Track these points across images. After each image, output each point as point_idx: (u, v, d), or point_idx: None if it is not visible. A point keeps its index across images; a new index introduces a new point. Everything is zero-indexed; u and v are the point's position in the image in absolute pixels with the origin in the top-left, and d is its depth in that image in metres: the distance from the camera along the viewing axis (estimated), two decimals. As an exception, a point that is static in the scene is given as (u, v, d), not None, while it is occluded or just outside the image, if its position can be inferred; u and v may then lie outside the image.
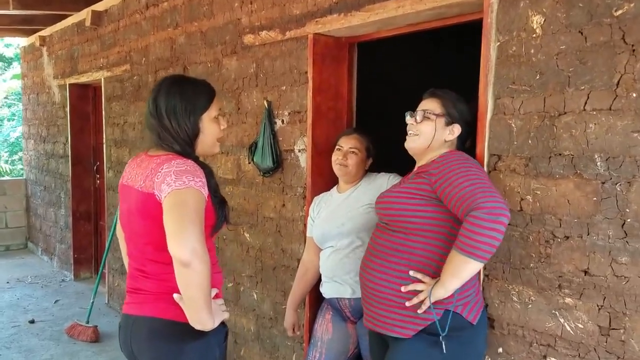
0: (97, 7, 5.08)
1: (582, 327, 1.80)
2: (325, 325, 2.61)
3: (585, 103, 1.77)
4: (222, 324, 1.84)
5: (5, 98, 13.42)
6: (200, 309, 1.60)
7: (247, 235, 3.31)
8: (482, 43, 2.08)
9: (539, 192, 1.91)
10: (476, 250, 1.71)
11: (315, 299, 2.79)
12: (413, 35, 2.72)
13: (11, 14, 6.01)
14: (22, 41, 7.52)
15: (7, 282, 5.85)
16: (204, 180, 1.68)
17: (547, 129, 1.88)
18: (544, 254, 1.89)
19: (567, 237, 1.83)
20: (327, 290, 2.58)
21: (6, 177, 9.99)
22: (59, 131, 6.29)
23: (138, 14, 4.43)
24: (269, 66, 3.08)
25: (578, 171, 1.80)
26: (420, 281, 1.89)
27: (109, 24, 4.95)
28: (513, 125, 1.98)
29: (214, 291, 1.79)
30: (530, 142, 1.92)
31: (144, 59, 4.38)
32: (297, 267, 2.85)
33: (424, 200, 1.90)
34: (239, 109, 3.31)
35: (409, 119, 2.07)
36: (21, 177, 7.98)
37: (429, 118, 2.02)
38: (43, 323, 4.65)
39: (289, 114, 2.96)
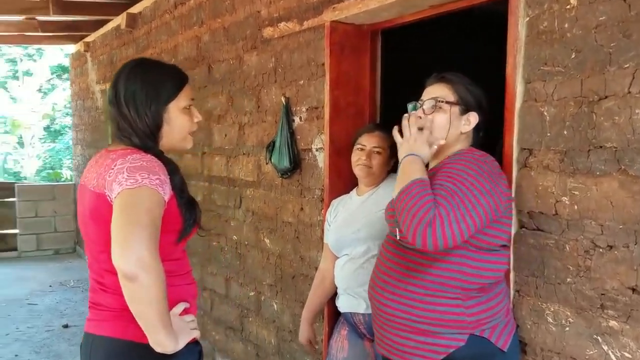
0: (133, 9, 5.04)
1: (629, 356, 1.48)
2: (340, 342, 2.36)
3: (630, 84, 1.46)
4: (195, 342, 1.63)
5: (67, 107, 13.93)
6: (155, 330, 1.38)
7: (267, 241, 3.11)
8: (508, 20, 1.79)
9: (576, 193, 1.59)
10: (403, 200, 1.52)
11: (334, 312, 2.54)
12: (443, 23, 2.45)
13: (56, 21, 6.12)
14: (72, 49, 7.68)
15: (50, 286, 5.91)
16: (164, 177, 1.46)
17: (585, 117, 1.57)
18: (584, 267, 1.58)
19: (611, 247, 1.51)
20: (342, 303, 2.33)
21: (55, 182, 10.24)
22: (101, 136, 6.33)
23: (168, 13, 4.34)
24: (287, 60, 2.87)
25: (623, 167, 1.48)
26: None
27: (143, 26, 4.90)
28: (545, 113, 1.68)
29: (182, 306, 1.58)
30: (565, 133, 1.62)
31: (173, 59, 4.27)
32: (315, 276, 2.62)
33: None
34: (259, 107, 3.12)
35: (413, 112, 1.73)
36: (70, 182, 8.14)
37: (441, 107, 1.70)
38: (76, 328, 4.62)
39: (307, 110, 2.74)
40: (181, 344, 1.47)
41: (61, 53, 13.58)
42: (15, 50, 15.93)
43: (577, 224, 1.59)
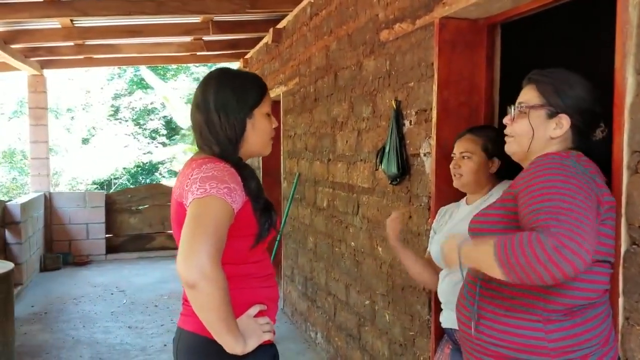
0: (279, 25, 5.30)
1: None
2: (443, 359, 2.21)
3: None
4: (271, 344, 1.64)
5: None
6: (218, 333, 1.43)
7: (380, 249, 3.03)
8: (617, 1, 1.53)
9: (695, 204, 1.30)
10: (509, 265, 1.24)
11: (440, 327, 2.39)
12: (572, 11, 2.18)
13: (219, 40, 6.69)
14: (234, 66, 8.33)
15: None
16: (234, 185, 1.49)
17: None
18: (702, 296, 1.27)
19: None
20: (444, 319, 2.19)
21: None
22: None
23: (305, 26, 4.48)
24: (399, 62, 2.79)
25: None
26: None
27: (286, 40, 5.12)
28: (660, 108, 1.39)
29: (257, 308, 1.59)
30: (683, 131, 1.33)
31: (307, 70, 4.40)
32: (423, 289, 2.49)
33: (514, 225, 1.42)
34: (374, 112, 3.07)
35: (506, 117, 1.60)
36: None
37: (524, 113, 1.53)
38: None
39: (416, 113, 2.62)
40: (250, 346, 1.50)
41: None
42: (200, 70, 17.77)
43: (695, 242, 1.29)
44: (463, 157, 2.10)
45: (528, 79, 1.60)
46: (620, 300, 1.51)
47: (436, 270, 2.26)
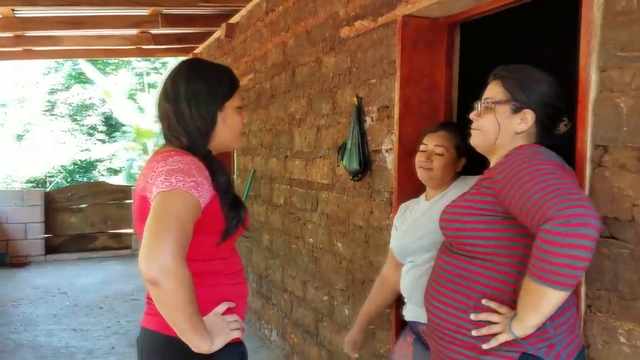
0: (232, 20, 5.23)
1: None
2: (405, 349, 2.23)
3: None
4: (239, 342, 1.60)
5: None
6: (184, 332, 1.39)
7: (339, 244, 3.04)
8: (582, 1, 1.60)
9: (656, 195, 1.37)
10: (553, 275, 1.26)
11: (401, 320, 2.42)
12: (531, 11, 2.25)
13: (167, 34, 6.52)
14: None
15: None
16: (202, 179, 1.44)
17: (667, 107, 1.35)
18: (662, 282, 1.35)
19: (695, 259, 1.28)
20: (406, 312, 2.21)
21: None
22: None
23: (260, 21, 4.45)
24: (361, 59, 2.81)
25: None
26: (494, 311, 1.46)
27: (239, 35, 5.07)
28: (622, 105, 1.47)
29: (225, 305, 1.56)
30: (644, 126, 1.40)
31: (263, 66, 4.37)
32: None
33: (490, 217, 1.48)
34: (334, 109, 3.08)
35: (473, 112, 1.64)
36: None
37: (490, 108, 1.57)
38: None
39: (378, 110, 2.65)
40: (217, 345, 1.47)
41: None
42: (143, 65, 17.31)
43: (656, 231, 1.37)
44: (436, 152, 2.11)
45: (494, 75, 1.64)
46: (583, 289, 1.58)
47: (384, 293, 2.35)
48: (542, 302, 1.31)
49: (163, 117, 1.60)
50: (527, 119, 1.54)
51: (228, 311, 1.57)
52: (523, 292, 1.36)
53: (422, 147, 2.16)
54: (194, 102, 1.56)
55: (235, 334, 1.56)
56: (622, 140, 1.47)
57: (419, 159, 2.15)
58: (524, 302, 1.36)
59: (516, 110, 1.55)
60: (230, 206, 1.55)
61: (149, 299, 1.59)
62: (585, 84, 1.58)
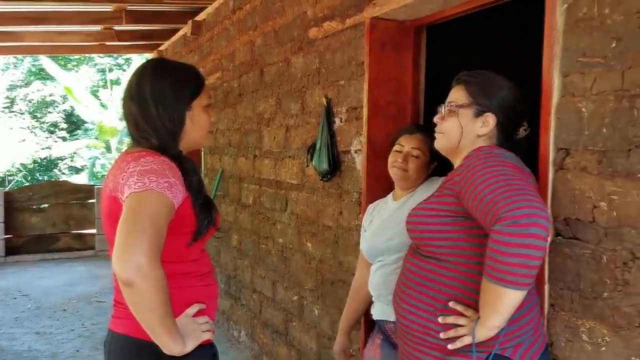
0: (198, 17, 5.17)
1: (672, 385, 1.29)
2: (373, 351, 2.26)
3: (677, 73, 1.28)
4: (210, 344, 1.60)
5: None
6: (156, 334, 1.37)
7: (309, 245, 3.05)
8: (545, 7, 1.64)
9: (615, 198, 1.42)
10: (507, 275, 1.29)
11: (370, 319, 2.45)
12: (496, 16, 2.29)
13: (132, 30, 6.40)
14: (148, 57, 8.03)
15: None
16: (175, 180, 1.43)
17: (625, 113, 1.40)
18: (621, 281, 1.40)
19: (652, 259, 1.33)
20: (375, 311, 2.23)
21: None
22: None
23: (227, 19, 4.41)
24: (329, 60, 2.82)
25: (666, 168, 1.30)
26: (461, 314, 1.49)
27: (206, 33, 5.02)
28: (584, 109, 1.52)
29: (196, 307, 1.55)
30: (604, 130, 1.45)
31: (231, 64, 4.34)
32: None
33: (452, 219, 1.51)
34: (304, 109, 3.08)
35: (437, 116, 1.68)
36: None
37: (453, 111, 1.61)
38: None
39: (347, 111, 2.66)
40: (189, 347, 1.46)
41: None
42: (106, 61, 16.96)
43: (615, 232, 1.42)
44: (413, 154, 2.11)
45: (457, 79, 1.68)
46: (546, 288, 1.63)
47: (361, 296, 2.35)
48: (499, 302, 1.34)
49: (130, 118, 1.58)
50: (488, 122, 1.58)
51: (199, 313, 1.57)
52: (482, 293, 1.39)
53: (397, 148, 2.16)
54: (161, 102, 1.54)
55: (207, 336, 1.55)
56: (583, 143, 1.51)
57: (395, 159, 2.14)
58: (483, 303, 1.39)
59: (478, 114, 1.59)
60: (201, 207, 1.55)
61: (117, 301, 1.57)
62: (548, 89, 1.63)
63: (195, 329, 1.51)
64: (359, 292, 2.37)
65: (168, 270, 1.43)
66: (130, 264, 1.29)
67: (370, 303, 2.38)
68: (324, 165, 2.71)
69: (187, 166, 1.53)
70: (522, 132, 1.65)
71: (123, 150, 1.64)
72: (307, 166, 2.91)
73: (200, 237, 1.56)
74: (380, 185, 2.46)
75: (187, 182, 1.50)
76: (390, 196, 2.29)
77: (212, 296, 1.66)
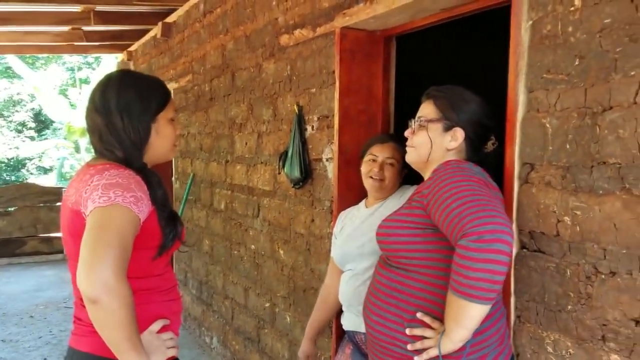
0: (168, 19, 5.11)
1: (632, 397, 1.32)
2: (343, 360, 2.27)
3: (636, 94, 1.32)
4: None
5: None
6: (122, 352, 1.34)
7: (281, 252, 3.05)
8: (511, 23, 1.66)
9: (578, 213, 1.45)
10: (471, 289, 1.31)
11: (341, 328, 2.45)
12: (462, 27, 2.32)
13: (101, 30, 6.29)
14: (118, 58, 7.89)
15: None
16: (141, 194, 1.42)
17: (588, 130, 1.43)
18: (584, 294, 1.44)
19: (614, 273, 1.37)
20: (345, 321, 2.24)
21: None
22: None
23: (198, 22, 4.37)
24: (301, 67, 2.82)
25: (627, 185, 1.33)
26: (429, 326, 1.51)
27: (177, 35, 4.96)
28: (548, 125, 1.54)
29: (160, 323, 1.53)
30: (568, 146, 1.48)
31: (202, 68, 4.30)
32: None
33: (421, 230, 1.53)
34: (275, 115, 3.07)
35: (407, 130, 1.70)
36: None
37: (423, 126, 1.64)
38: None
39: (318, 119, 2.67)
40: None
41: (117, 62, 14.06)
42: (75, 59, 16.65)
43: (578, 246, 1.45)
44: (388, 162, 2.12)
45: (426, 94, 1.71)
46: (512, 300, 1.66)
47: (329, 303, 2.36)
48: (464, 316, 1.36)
49: (94, 130, 1.55)
50: (457, 137, 1.60)
51: (163, 329, 1.55)
52: (447, 306, 1.41)
53: (371, 157, 2.16)
54: (126, 114, 1.52)
55: (172, 352, 1.54)
56: (547, 158, 1.54)
57: (371, 169, 2.15)
58: (448, 316, 1.41)
59: (447, 128, 1.62)
60: (167, 220, 1.53)
61: (77, 318, 1.54)
62: (513, 104, 1.65)
63: (159, 346, 1.49)
64: (328, 299, 2.38)
65: (133, 286, 1.41)
66: (96, 280, 1.27)
67: (338, 311, 2.39)
68: (296, 173, 2.71)
69: (152, 179, 1.51)
70: (490, 146, 1.68)
71: (85, 163, 1.61)
72: (279, 173, 2.91)
73: (165, 251, 1.54)
74: (352, 194, 2.47)
75: (152, 195, 1.48)
76: (362, 203, 2.31)
77: (176, 311, 1.65)
